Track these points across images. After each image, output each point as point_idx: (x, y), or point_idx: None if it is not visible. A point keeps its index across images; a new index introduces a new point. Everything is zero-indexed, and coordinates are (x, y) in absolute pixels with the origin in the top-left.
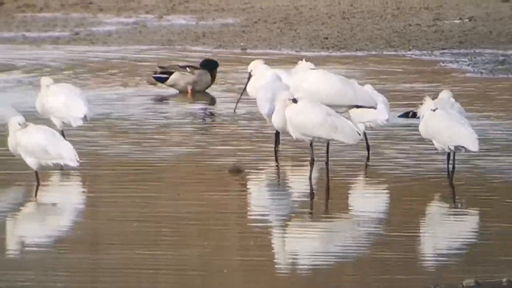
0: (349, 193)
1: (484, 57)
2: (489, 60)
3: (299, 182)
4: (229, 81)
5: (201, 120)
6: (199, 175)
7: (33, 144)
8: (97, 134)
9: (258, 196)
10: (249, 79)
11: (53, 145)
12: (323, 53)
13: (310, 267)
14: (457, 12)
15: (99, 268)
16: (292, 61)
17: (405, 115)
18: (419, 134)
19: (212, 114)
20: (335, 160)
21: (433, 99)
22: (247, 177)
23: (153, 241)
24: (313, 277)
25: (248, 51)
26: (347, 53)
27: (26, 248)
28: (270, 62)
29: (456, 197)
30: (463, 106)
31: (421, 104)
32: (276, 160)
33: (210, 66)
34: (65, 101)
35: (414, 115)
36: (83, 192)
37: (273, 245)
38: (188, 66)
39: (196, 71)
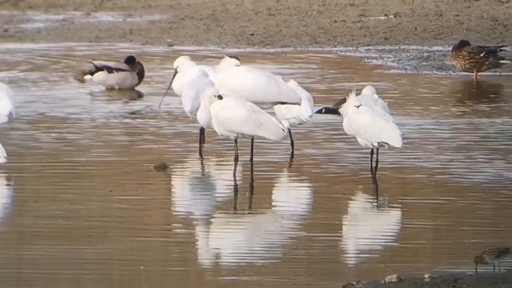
0: (273, 190)
1: (409, 53)
2: (414, 56)
3: (224, 178)
4: (155, 78)
5: (127, 118)
6: (125, 171)
7: None
8: (25, 131)
9: (183, 192)
10: (174, 75)
11: None
12: (249, 50)
13: (231, 264)
14: (382, 8)
15: (23, 264)
16: (218, 58)
17: (319, 111)
18: (343, 131)
19: (137, 111)
20: (259, 156)
21: (356, 95)
22: (172, 173)
23: (78, 237)
24: (234, 274)
25: (175, 47)
26: (273, 50)
27: None
28: (197, 58)
29: (379, 194)
30: (386, 102)
31: (342, 100)
32: (201, 157)
33: (130, 62)
34: None
35: (328, 111)
36: (10, 188)
37: (196, 242)
38: (116, 69)
39: (122, 73)
